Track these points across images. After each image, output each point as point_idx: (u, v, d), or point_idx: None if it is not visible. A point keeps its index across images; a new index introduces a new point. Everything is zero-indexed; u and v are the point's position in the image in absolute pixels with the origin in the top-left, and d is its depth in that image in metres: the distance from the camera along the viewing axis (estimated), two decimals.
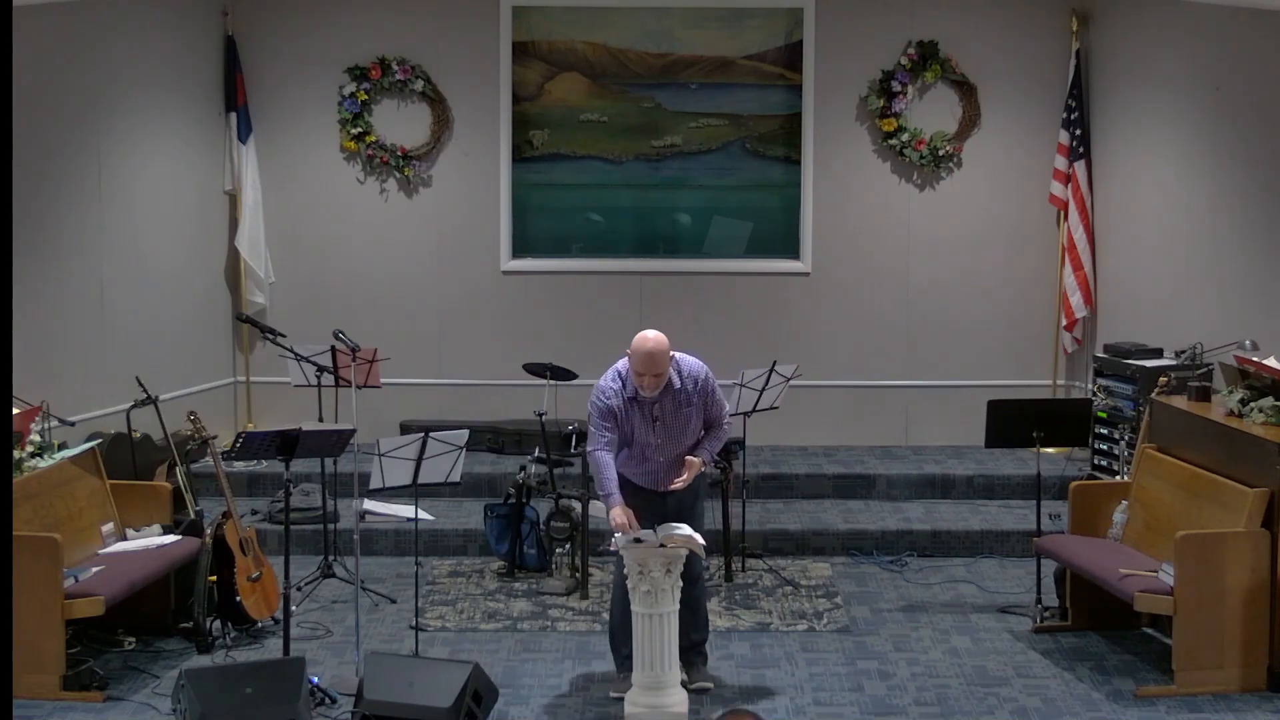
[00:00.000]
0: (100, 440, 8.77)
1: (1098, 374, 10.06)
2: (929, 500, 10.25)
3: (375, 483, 7.39)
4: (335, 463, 8.90)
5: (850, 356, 11.27)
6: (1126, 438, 9.49)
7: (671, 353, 7.12)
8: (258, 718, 6.57)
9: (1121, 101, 10.70)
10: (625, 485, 7.24)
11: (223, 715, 6.53)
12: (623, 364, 7.15)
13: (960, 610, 8.58)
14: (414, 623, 7.62)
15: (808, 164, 11.32)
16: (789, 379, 9.28)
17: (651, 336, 7.03)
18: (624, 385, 7.12)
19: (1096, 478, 9.70)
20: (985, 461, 10.56)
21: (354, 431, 7.82)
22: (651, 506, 7.14)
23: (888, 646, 8.00)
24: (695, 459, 7.19)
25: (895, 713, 7.14)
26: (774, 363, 9.22)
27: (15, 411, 7.81)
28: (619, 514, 6.98)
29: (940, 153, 11.20)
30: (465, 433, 7.59)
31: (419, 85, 11.19)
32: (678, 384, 7.09)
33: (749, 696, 7.27)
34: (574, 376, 9.69)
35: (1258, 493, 7.24)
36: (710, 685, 7.31)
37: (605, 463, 7.10)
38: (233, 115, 11.02)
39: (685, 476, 7.13)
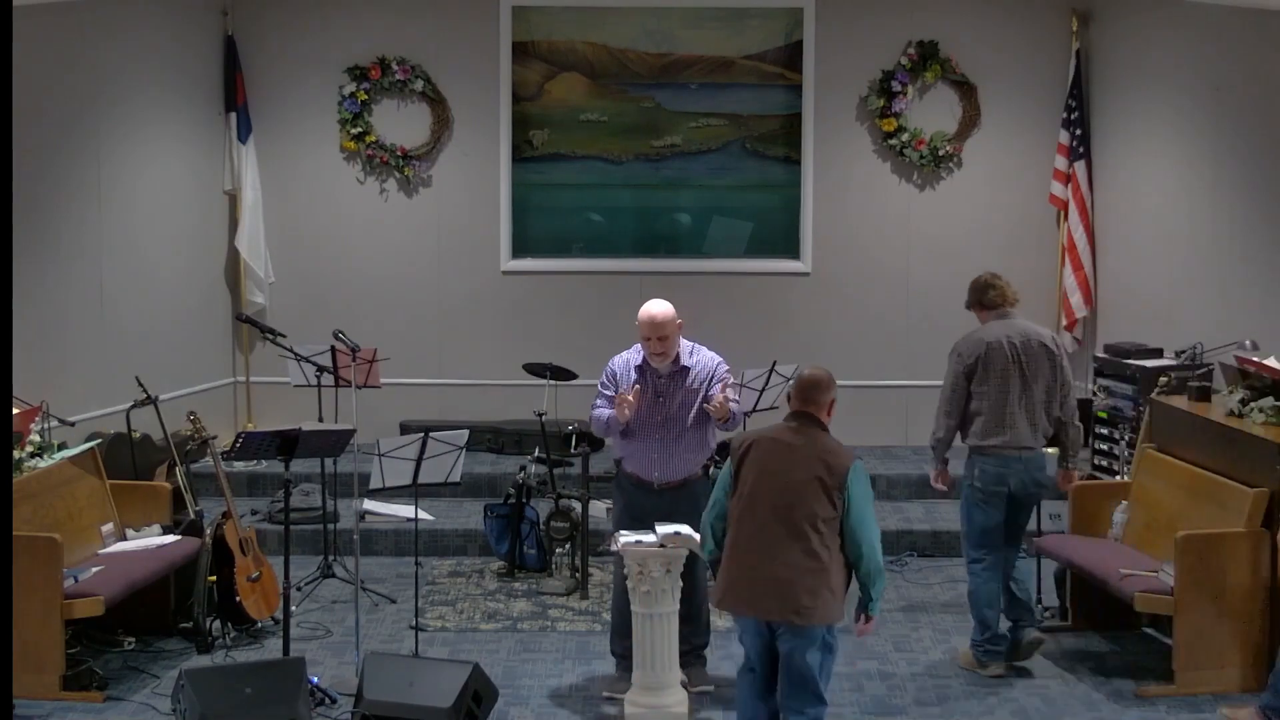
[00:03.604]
0: (100, 440, 8.77)
1: (1098, 374, 10.06)
2: (929, 500, 10.24)
3: (375, 483, 7.39)
4: (335, 463, 8.90)
5: (850, 356, 11.26)
6: (1126, 438, 9.49)
7: (693, 343, 7.23)
8: (258, 718, 6.57)
9: (1121, 101, 10.70)
10: (623, 479, 7.30)
11: (223, 715, 6.53)
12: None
13: (960, 610, 8.56)
14: (414, 623, 7.62)
15: (808, 164, 11.32)
16: (789, 379, 9.28)
17: (657, 302, 7.14)
18: (637, 355, 7.21)
19: (1096, 478, 9.69)
20: None
21: (354, 431, 7.81)
22: (647, 502, 7.15)
23: (888, 646, 7.99)
24: (728, 400, 7.12)
25: (895, 713, 7.13)
26: (774, 363, 9.22)
27: (15, 411, 7.81)
28: (624, 397, 7.03)
29: (940, 153, 11.21)
30: (465, 433, 7.59)
31: (419, 85, 11.19)
32: (687, 363, 7.16)
33: None
34: (574, 376, 9.69)
35: (1258, 493, 7.24)
36: (710, 688, 7.31)
37: (601, 412, 7.21)
38: (233, 115, 11.03)
39: (719, 402, 7.06)
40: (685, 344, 7.20)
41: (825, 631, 6.05)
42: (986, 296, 7.71)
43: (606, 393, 7.23)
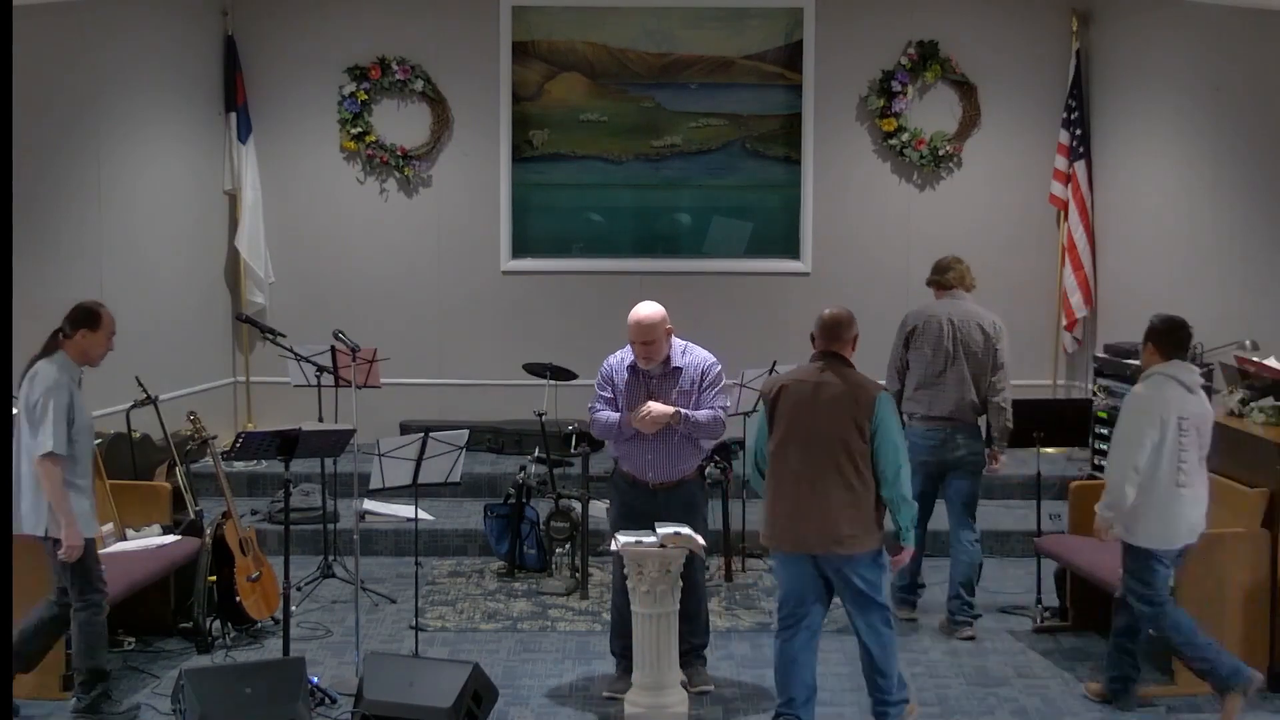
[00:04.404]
0: (100, 440, 8.75)
1: (1098, 374, 10.06)
2: None
3: (375, 483, 7.39)
4: (335, 463, 8.90)
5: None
6: None
7: (686, 343, 7.19)
8: (258, 718, 6.57)
9: (1121, 101, 10.70)
10: (619, 478, 7.29)
11: (223, 715, 6.53)
12: None
13: None
14: (414, 623, 7.62)
15: (808, 164, 11.33)
16: None
17: (645, 305, 7.09)
18: (630, 355, 7.18)
19: (1096, 478, 9.68)
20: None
21: (354, 431, 7.81)
22: (644, 504, 7.14)
23: None
24: (666, 406, 7.02)
25: None
26: (774, 363, 9.22)
27: (15, 411, 7.80)
28: (642, 408, 6.98)
29: (940, 153, 11.21)
30: (465, 433, 7.59)
31: (419, 85, 11.20)
32: (679, 363, 7.13)
33: (749, 697, 7.27)
34: (574, 376, 9.70)
35: (1258, 493, 7.24)
36: (710, 687, 7.31)
37: (605, 415, 7.16)
38: (233, 115, 11.04)
39: (658, 410, 6.99)
40: (678, 344, 7.17)
41: (869, 553, 6.40)
42: (945, 277, 8.37)
43: (604, 394, 7.22)
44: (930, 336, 8.16)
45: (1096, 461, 9.95)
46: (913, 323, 8.23)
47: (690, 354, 7.18)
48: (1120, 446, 6.84)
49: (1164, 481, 6.76)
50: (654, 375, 7.13)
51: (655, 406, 7.01)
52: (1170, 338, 6.92)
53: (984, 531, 9.59)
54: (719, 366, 7.21)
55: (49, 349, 6.92)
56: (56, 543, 6.76)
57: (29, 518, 6.83)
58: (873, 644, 6.53)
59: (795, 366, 6.65)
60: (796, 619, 6.53)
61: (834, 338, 6.54)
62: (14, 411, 7.00)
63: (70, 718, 6.88)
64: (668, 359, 7.11)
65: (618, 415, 7.13)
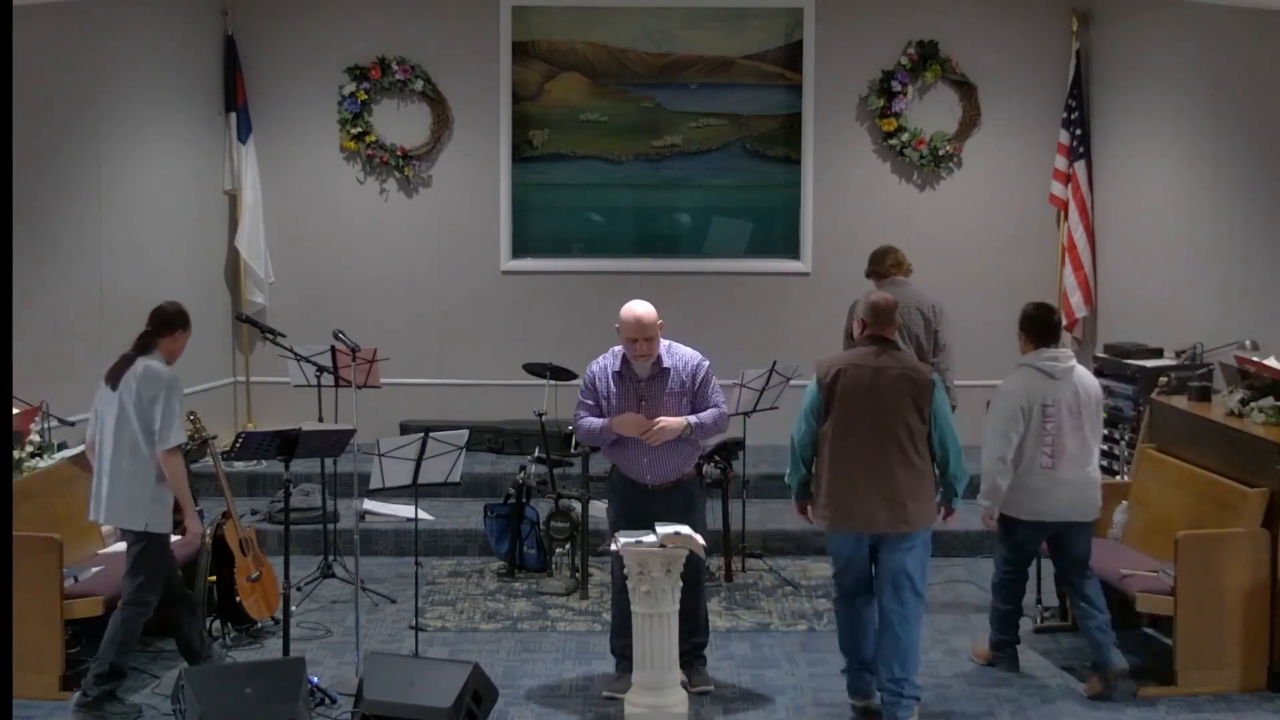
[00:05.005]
0: None
1: (1098, 374, 10.00)
2: None
3: (375, 483, 7.39)
4: (335, 463, 8.90)
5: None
6: (1126, 438, 9.49)
7: (669, 341, 7.17)
8: (258, 718, 6.57)
9: (1121, 101, 10.70)
10: (617, 478, 7.28)
11: (223, 715, 6.53)
12: (621, 345, 7.21)
13: (960, 610, 8.58)
14: (414, 623, 7.62)
15: (808, 164, 11.33)
16: (789, 379, 9.29)
17: (639, 303, 7.09)
18: (614, 360, 7.17)
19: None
20: None
21: (354, 431, 7.81)
22: (643, 504, 7.13)
23: None
24: (677, 420, 7.04)
25: None
26: (774, 363, 9.22)
27: (15, 411, 7.82)
28: (628, 417, 7.04)
29: (940, 153, 11.21)
30: (465, 433, 7.59)
31: (419, 85, 11.19)
32: (667, 363, 7.11)
33: (749, 697, 7.27)
34: (574, 376, 9.68)
35: (1258, 493, 7.24)
36: (711, 687, 7.31)
37: (588, 422, 7.17)
38: (233, 115, 11.04)
39: (661, 425, 7.00)
40: (662, 343, 7.15)
41: (925, 532, 6.73)
42: (883, 265, 8.86)
43: (588, 401, 7.20)
44: None
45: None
46: (857, 314, 8.38)
47: (675, 353, 7.16)
48: (989, 440, 7.26)
49: (1028, 465, 7.18)
50: (643, 379, 7.11)
51: (669, 424, 7.01)
52: (1038, 325, 7.30)
53: (984, 531, 9.59)
54: (707, 362, 7.20)
55: (145, 348, 7.02)
56: (142, 536, 6.91)
57: (128, 512, 6.94)
58: (902, 632, 6.71)
59: (846, 350, 6.92)
60: (857, 589, 6.83)
61: (888, 322, 6.80)
62: (125, 405, 6.94)
63: (71, 714, 6.89)
64: (657, 359, 7.10)
65: (600, 421, 7.13)
